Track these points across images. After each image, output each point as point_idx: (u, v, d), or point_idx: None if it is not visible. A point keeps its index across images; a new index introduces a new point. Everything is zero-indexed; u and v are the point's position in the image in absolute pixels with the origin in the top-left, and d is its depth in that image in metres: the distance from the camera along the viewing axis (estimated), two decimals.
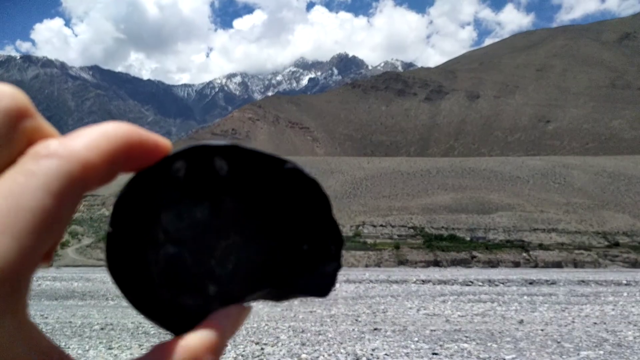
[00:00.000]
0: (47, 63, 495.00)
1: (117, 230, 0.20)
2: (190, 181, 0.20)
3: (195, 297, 0.20)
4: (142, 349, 4.28)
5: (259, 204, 0.21)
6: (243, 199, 0.21)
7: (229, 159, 0.20)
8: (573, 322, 5.70)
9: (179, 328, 0.20)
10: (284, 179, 0.21)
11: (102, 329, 5.11)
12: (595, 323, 5.61)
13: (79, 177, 0.16)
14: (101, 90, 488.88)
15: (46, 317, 5.29)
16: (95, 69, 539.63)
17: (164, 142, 0.20)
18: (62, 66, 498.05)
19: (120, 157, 0.18)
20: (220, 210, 0.21)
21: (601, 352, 4.23)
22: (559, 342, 4.58)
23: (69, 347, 4.15)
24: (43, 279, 11.08)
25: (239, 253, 0.21)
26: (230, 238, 0.21)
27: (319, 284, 0.22)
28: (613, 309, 6.81)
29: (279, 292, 0.22)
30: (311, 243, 0.22)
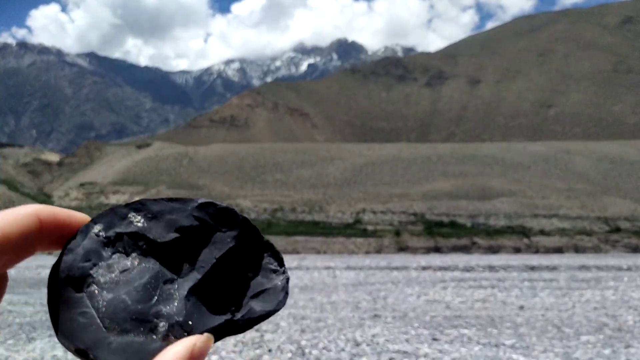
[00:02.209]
0: (43, 50, 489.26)
1: (57, 297, 0.21)
2: (113, 239, 0.22)
3: (147, 334, 0.20)
4: None
5: (187, 244, 0.22)
6: (168, 243, 0.22)
7: (142, 212, 0.23)
8: (573, 307, 5.70)
9: None
10: (199, 215, 0.23)
11: None
12: (595, 308, 5.60)
13: None
14: (98, 78, 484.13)
15: (44, 305, 5.31)
16: (92, 56, 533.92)
17: (80, 215, 0.22)
18: (59, 53, 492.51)
19: (32, 231, 0.19)
20: (149, 257, 0.22)
21: (601, 336, 4.22)
22: (559, 327, 4.57)
23: None
24: (42, 267, 11.12)
25: (182, 290, 0.22)
26: (168, 279, 0.22)
27: (274, 299, 0.23)
28: (614, 294, 6.81)
29: (238, 321, 0.23)
30: (254, 269, 0.24)
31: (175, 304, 0.21)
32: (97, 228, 0.22)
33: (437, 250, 29.75)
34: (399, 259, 19.59)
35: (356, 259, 21.09)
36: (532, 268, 12.08)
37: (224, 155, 56.44)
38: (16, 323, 4.60)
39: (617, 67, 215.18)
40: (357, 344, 3.92)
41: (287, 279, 0.24)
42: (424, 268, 12.58)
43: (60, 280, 0.21)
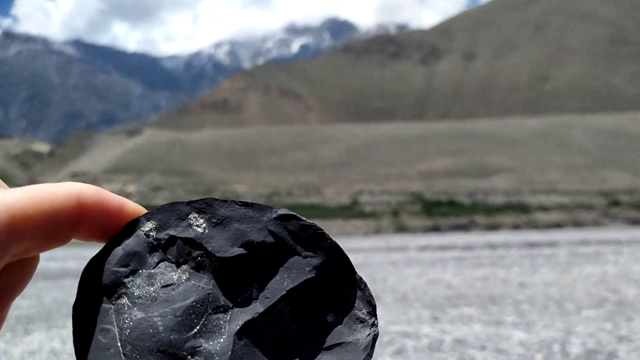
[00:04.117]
0: (29, 39, 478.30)
1: (83, 300, 0.17)
2: (165, 243, 0.17)
3: None
4: None
5: (253, 265, 0.17)
6: (230, 260, 0.17)
7: (206, 213, 0.18)
8: (574, 282, 5.71)
9: None
10: (276, 230, 0.17)
11: None
12: (596, 282, 5.62)
13: (5, 228, 0.13)
14: (86, 65, 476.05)
15: (42, 298, 5.26)
16: (79, 43, 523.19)
17: (132, 206, 0.17)
18: (45, 42, 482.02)
19: (66, 216, 0.15)
20: (203, 273, 0.17)
21: (602, 310, 4.21)
22: (560, 303, 4.56)
23: (66, 327, 4.09)
24: (42, 259, 11.07)
25: (234, 324, 0.16)
26: (220, 306, 0.17)
27: (353, 357, 0.17)
28: (614, 268, 6.84)
29: None
30: (335, 312, 0.17)
31: (222, 340, 0.16)
32: (148, 226, 0.18)
33: (436, 229, 30.02)
34: (398, 240, 19.72)
35: (354, 240, 21.20)
36: (532, 244, 12.16)
37: (217, 140, 56.04)
38: (14, 316, 4.55)
39: (614, 38, 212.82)
40: None
41: (375, 336, 0.17)
42: (424, 248, 12.64)
43: (92, 281, 0.17)
